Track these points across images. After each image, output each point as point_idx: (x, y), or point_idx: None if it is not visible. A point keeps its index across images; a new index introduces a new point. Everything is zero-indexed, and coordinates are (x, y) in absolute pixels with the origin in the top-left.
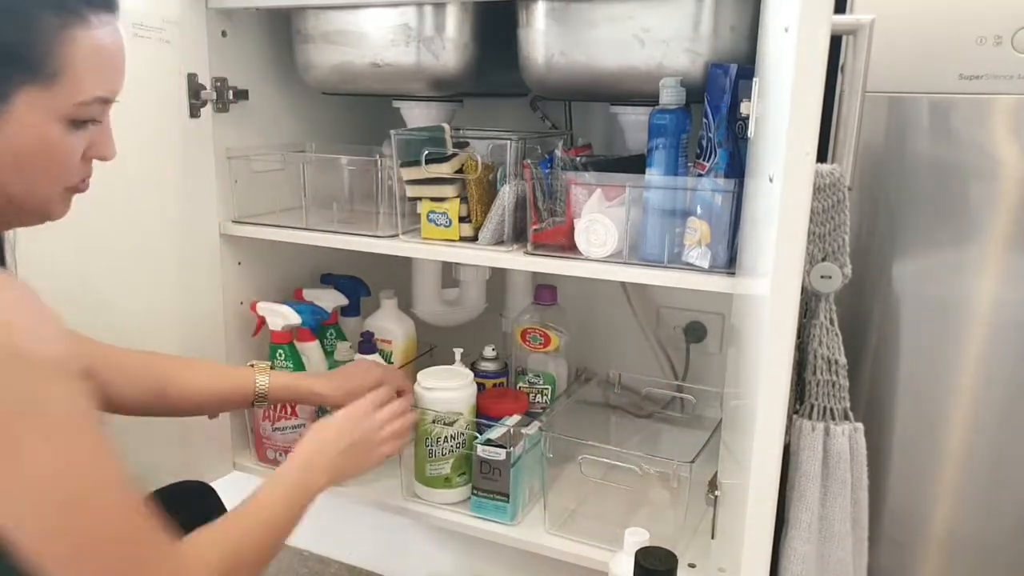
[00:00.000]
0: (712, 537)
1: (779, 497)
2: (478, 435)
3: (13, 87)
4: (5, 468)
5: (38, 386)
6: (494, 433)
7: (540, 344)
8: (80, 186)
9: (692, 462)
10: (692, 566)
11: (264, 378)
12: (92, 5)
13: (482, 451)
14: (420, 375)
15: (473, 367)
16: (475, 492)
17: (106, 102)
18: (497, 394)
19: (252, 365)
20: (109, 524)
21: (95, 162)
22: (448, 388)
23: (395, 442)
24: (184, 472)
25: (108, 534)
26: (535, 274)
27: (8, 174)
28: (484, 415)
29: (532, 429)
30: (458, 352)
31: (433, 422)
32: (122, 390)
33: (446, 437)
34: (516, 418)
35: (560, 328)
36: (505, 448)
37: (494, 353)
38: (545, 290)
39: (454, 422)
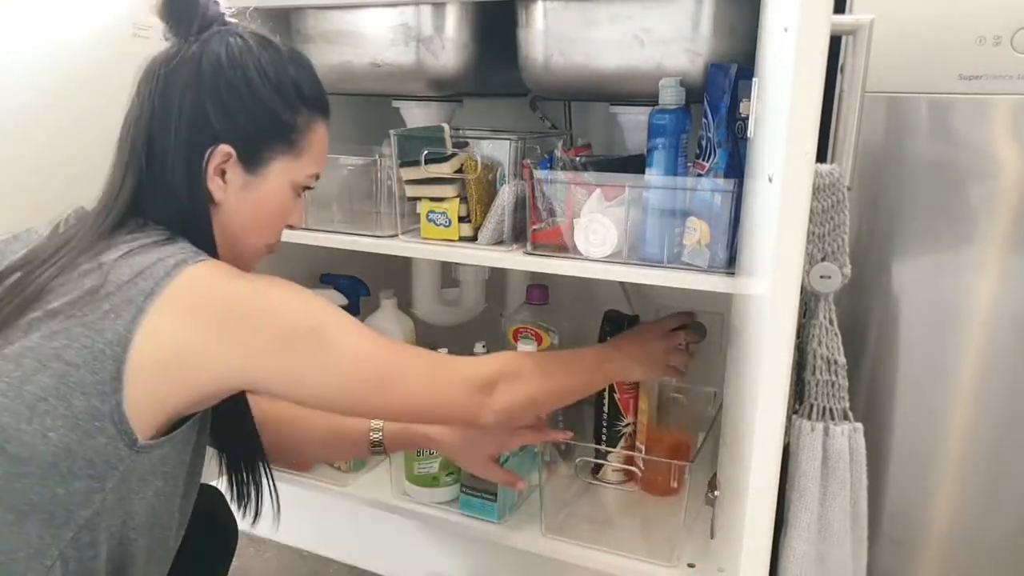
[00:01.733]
0: (712, 537)
1: (779, 497)
2: None
3: (276, 154)
4: (318, 361)
5: (296, 310)
6: None
7: (532, 343)
8: (272, 248)
9: (692, 462)
10: (692, 566)
11: (378, 423)
12: (326, 110)
13: None
14: None
15: None
16: (463, 490)
17: (317, 178)
18: None
19: None
20: (412, 361)
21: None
22: None
23: (680, 360)
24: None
25: (408, 369)
26: (534, 274)
27: (247, 223)
28: None
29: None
30: (443, 352)
31: None
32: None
33: None
34: None
35: (552, 327)
36: None
37: (484, 350)
38: (536, 290)
39: None
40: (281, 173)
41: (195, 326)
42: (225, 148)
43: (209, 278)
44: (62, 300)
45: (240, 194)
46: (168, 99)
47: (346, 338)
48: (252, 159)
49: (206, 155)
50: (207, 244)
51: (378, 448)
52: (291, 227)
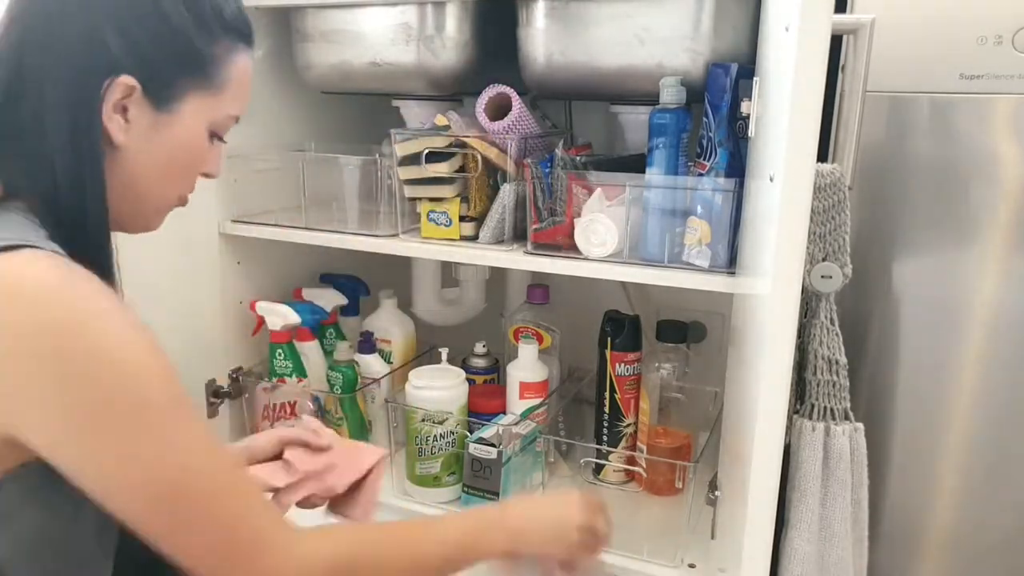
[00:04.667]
0: (712, 537)
1: (779, 497)
2: (468, 433)
3: (189, 89)
4: (113, 455)
5: (138, 372)
6: (486, 432)
7: (533, 343)
8: (184, 200)
9: (696, 462)
10: (692, 566)
11: None
12: (249, 39)
13: (474, 449)
14: (411, 374)
15: (464, 363)
16: (465, 490)
17: (236, 121)
18: (488, 391)
19: None
20: (218, 506)
21: None
22: (437, 387)
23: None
24: None
25: (218, 515)
26: (534, 273)
27: (154, 171)
28: (474, 412)
29: (525, 428)
30: (444, 351)
31: (423, 421)
32: None
33: (436, 436)
34: (509, 417)
35: (552, 327)
36: (496, 447)
37: (484, 349)
38: (537, 289)
39: (443, 421)
40: (197, 111)
41: None
42: (127, 80)
43: (21, 283)
44: None
45: (147, 135)
46: (50, 16)
47: (171, 431)
48: (161, 93)
49: (102, 88)
50: (96, 201)
51: None
52: (207, 175)
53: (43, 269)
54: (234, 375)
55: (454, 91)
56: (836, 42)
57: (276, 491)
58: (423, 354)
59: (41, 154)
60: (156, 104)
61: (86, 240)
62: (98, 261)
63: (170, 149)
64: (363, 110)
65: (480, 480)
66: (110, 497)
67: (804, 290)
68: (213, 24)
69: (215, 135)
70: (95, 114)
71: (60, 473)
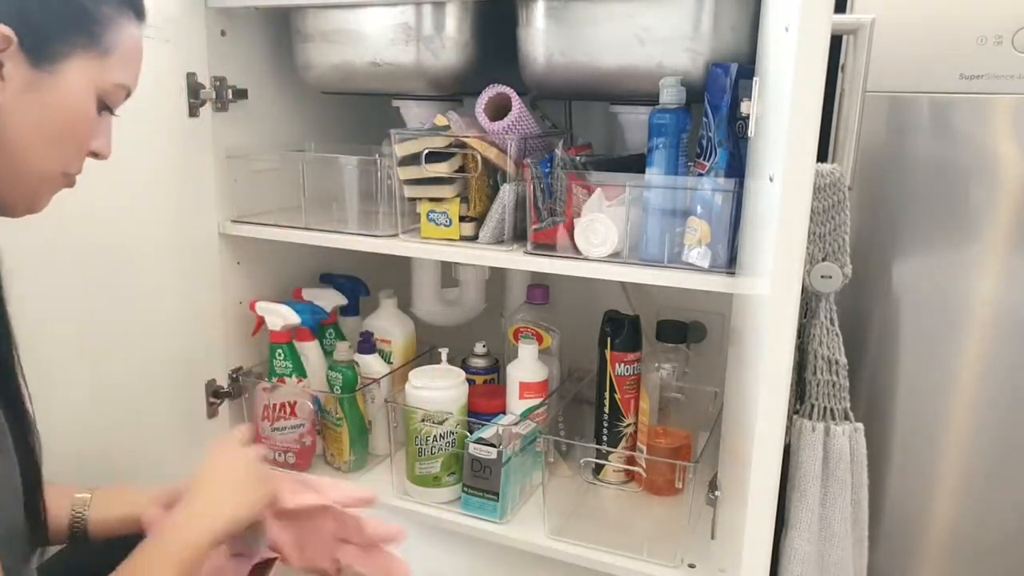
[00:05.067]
0: (712, 537)
1: (779, 497)
2: (469, 433)
3: (73, 50)
4: None
5: None
6: (486, 432)
7: (532, 343)
8: (71, 179)
9: (696, 462)
10: (692, 566)
11: (84, 494)
12: (138, 8)
13: (474, 449)
14: (411, 374)
15: (464, 364)
16: (465, 490)
17: (127, 94)
18: (488, 391)
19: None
20: None
21: (93, 163)
22: (437, 388)
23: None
24: (183, 473)
25: None
26: (534, 273)
27: (32, 136)
28: (474, 412)
29: (525, 429)
30: (444, 352)
31: (423, 421)
32: None
33: (435, 436)
34: (509, 417)
35: (552, 327)
36: (496, 447)
37: (484, 349)
38: (537, 289)
39: (443, 421)
40: (81, 73)
41: None
42: (2, 30)
43: None
44: None
45: (23, 95)
46: None
47: None
48: (41, 49)
49: None
50: None
51: (79, 527)
52: (95, 155)
53: None
54: (234, 375)
55: (454, 91)
56: (836, 42)
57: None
58: (423, 354)
59: None
60: (35, 60)
61: None
62: None
63: (51, 111)
64: (363, 110)
65: (480, 480)
66: None
67: (804, 290)
68: None
69: (103, 105)
70: None
71: None
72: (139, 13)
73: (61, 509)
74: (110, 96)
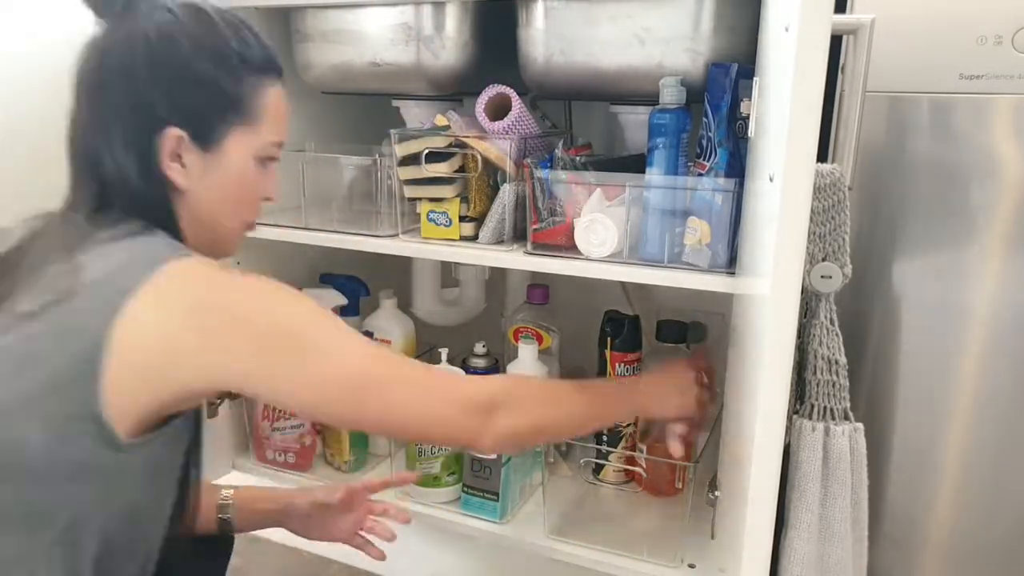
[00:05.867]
0: (712, 537)
1: (779, 497)
2: None
3: (230, 127)
4: (314, 362)
5: (295, 313)
6: None
7: (532, 343)
8: (252, 225)
9: (696, 462)
10: (692, 566)
11: (227, 493)
12: (275, 71)
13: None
14: None
15: (464, 364)
16: (465, 490)
17: (280, 146)
18: None
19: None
20: (410, 370)
21: None
22: None
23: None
24: None
25: (412, 378)
26: (534, 273)
27: (217, 203)
28: None
29: None
30: (444, 352)
31: None
32: None
33: None
34: None
35: (552, 327)
36: None
37: (484, 349)
38: (537, 289)
39: None
40: (240, 146)
41: (176, 326)
42: (174, 132)
43: (192, 276)
44: (36, 302)
45: (203, 176)
46: (103, 91)
47: (331, 343)
48: (206, 137)
49: (156, 142)
50: (174, 235)
51: (226, 518)
52: (268, 200)
53: (199, 264)
54: None
55: (454, 91)
56: (836, 42)
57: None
58: (423, 354)
59: (130, 196)
60: (204, 147)
61: None
62: None
63: (224, 182)
64: (363, 110)
65: (480, 480)
66: (303, 404)
67: (804, 290)
68: (239, 68)
69: (262, 161)
70: (154, 166)
71: (167, 449)
72: (277, 73)
73: (209, 502)
74: (266, 153)
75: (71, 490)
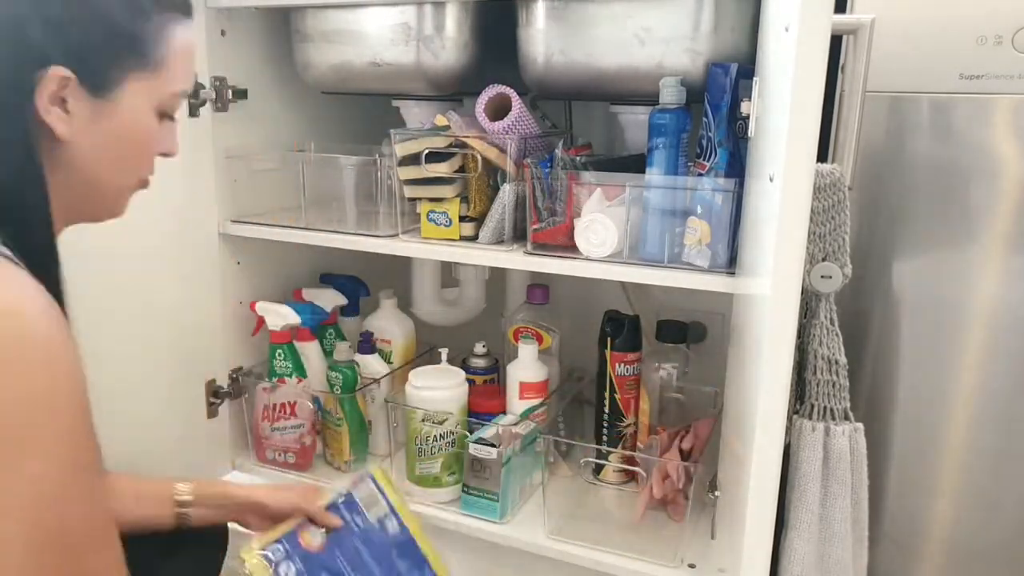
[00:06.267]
0: (712, 537)
1: (779, 497)
2: (469, 433)
3: (126, 72)
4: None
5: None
6: (486, 432)
7: (532, 343)
8: (145, 182)
9: (696, 462)
10: (692, 566)
11: (185, 485)
12: (185, 8)
13: (474, 449)
14: (411, 374)
15: (464, 364)
16: (465, 490)
17: (184, 96)
18: (488, 391)
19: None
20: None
21: None
22: (437, 388)
23: None
24: (183, 473)
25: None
26: (534, 273)
27: (105, 159)
28: (474, 412)
29: (525, 429)
30: (444, 352)
31: (423, 421)
32: None
33: (435, 436)
34: (509, 417)
35: (552, 327)
36: (496, 447)
37: (484, 349)
38: (537, 289)
39: (443, 421)
40: (138, 94)
41: None
42: (60, 71)
43: None
44: None
45: (90, 124)
46: None
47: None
48: (98, 80)
49: (33, 83)
50: (36, 202)
51: (184, 511)
52: (166, 155)
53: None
54: (234, 375)
55: (454, 91)
56: (836, 42)
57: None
58: (423, 354)
59: None
60: (94, 92)
61: (30, 239)
62: (42, 260)
63: (117, 136)
64: (363, 110)
65: (480, 480)
66: None
67: (804, 290)
68: (144, 1)
69: (164, 114)
70: (27, 110)
71: None
72: (186, 11)
73: (164, 499)
74: (168, 105)
75: None
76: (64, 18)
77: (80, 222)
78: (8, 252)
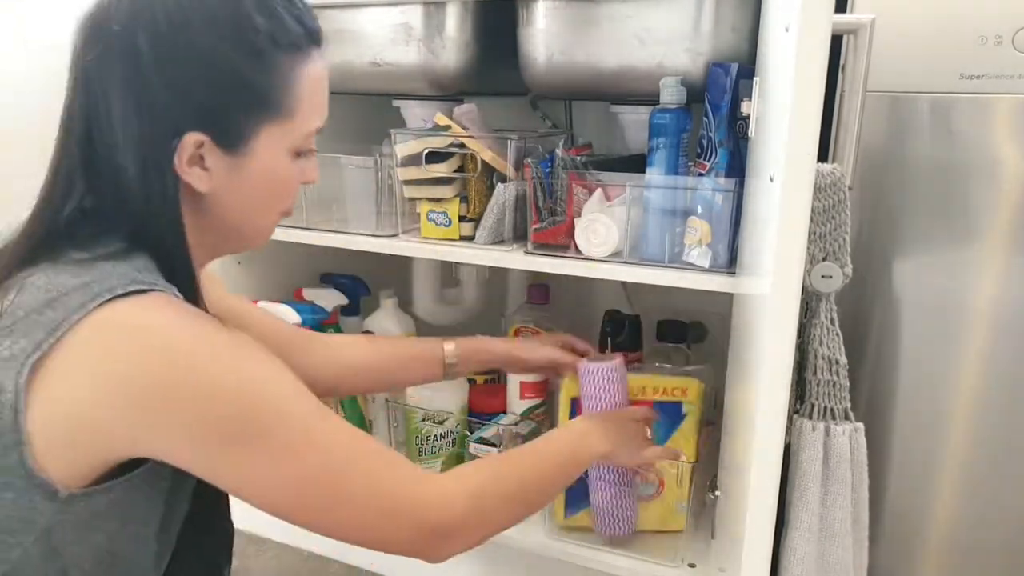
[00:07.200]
0: (712, 537)
1: (779, 497)
2: (469, 433)
3: (260, 125)
4: (258, 462)
5: (258, 393)
6: (487, 431)
7: None
8: (289, 211)
9: (696, 462)
10: (692, 566)
11: (451, 346)
12: (314, 42)
13: (474, 449)
14: None
15: None
16: None
17: (320, 130)
18: (488, 391)
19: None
20: (358, 484)
21: None
22: (437, 387)
23: (654, 453)
24: None
25: (360, 496)
26: (534, 273)
27: (247, 206)
28: (474, 411)
29: (525, 428)
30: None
31: (423, 420)
32: (308, 372)
33: (436, 436)
34: (509, 416)
35: (553, 327)
36: (496, 446)
37: None
38: (537, 289)
39: (444, 420)
40: (273, 142)
41: (94, 391)
42: (193, 137)
43: (125, 326)
44: None
45: (230, 176)
46: (103, 84)
47: (286, 436)
48: (232, 138)
49: (171, 151)
50: (178, 252)
51: (453, 368)
52: (307, 182)
53: (144, 307)
54: None
55: (455, 91)
56: (836, 42)
57: None
58: None
59: (125, 207)
60: (229, 149)
61: (180, 283)
62: (191, 299)
63: (256, 184)
64: (364, 110)
65: None
66: (261, 498)
67: (804, 290)
68: (267, 49)
69: (299, 153)
70: (168, 176)
71: (140, 492)
72: (315, 40)
73: (435, 361)
74: (304, 145)
75: (11, 541)
76: (191, 86)
77: (231, 253)
78: (174, 289)
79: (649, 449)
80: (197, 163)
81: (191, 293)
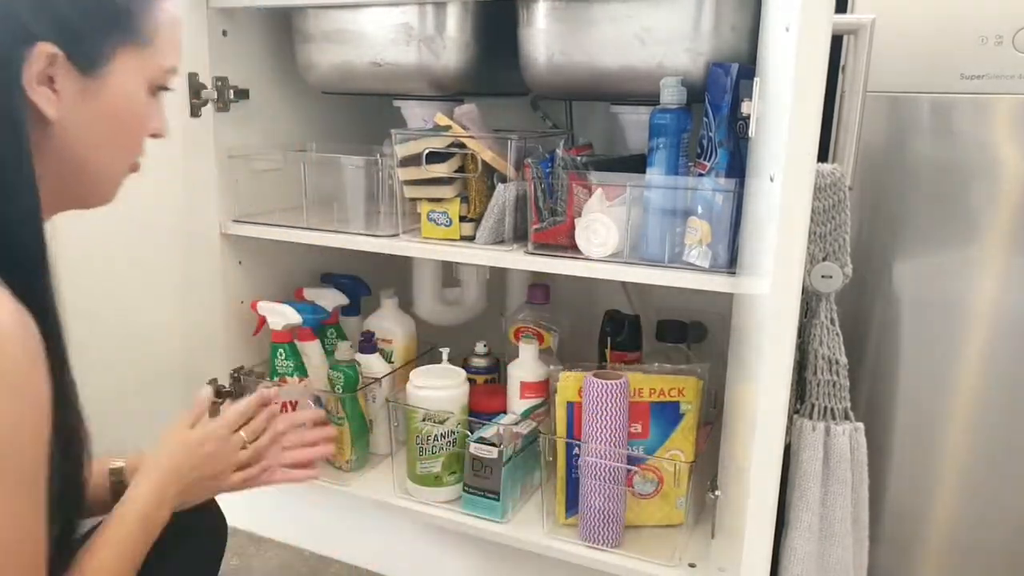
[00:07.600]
0: (712, 537)
1: (779, 497)
2: (470, 433)
3: (116, 47)
4: None
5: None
6: (487, 431)
7: (533, 343)
8: (136, 166)
9: (694, 462)
10: (692, 566)
11: (119, 461)
12: None
13: (475, 449)
14: (412, 374)
15: (465, 363)
16: (466, 489)
17: (175, 73)
18: (488, 390)
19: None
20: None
21: None
22: (438, 387)
23: (255, 471)
24: None
25: None
26: (534, 273)
27: (95, 140)
28: (475, 411)
29: (526, 428)
30: (445, 352)
31: (424, 420)
32: None
33: (437, 435)
34: (509, 416)
35: (553, 327)
36: (497, 446)
37: (485, 349)
38: (538, 289)
39: (444, 420)
40: (128, 70)
41: None
42: (47, 48)
43: None
44: None
45: (80, 104)
46: None
47: None
48: (87, 57)
49: (21, 61)
50: (23, 189)
51: (117, 480)
52: (156, 135)
53: None
54: (236, 375)
55: (455, 91)
56: (836, 42)
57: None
58: (424, 354)
59: None
60: (83, 69)
61: (17, 225)
62: (29, 248)
63: (107, 114)
64: (364, 110)
65: (481, 479)
66: None
67: (804, 290)
68: None
69: (154, 90)
70: (13, 89)
71: None
72: None
73: (99, 479)
74: (159, 81)
75: None
76: None
77: (70, 208)
78: None
79: (236, 475)
80: (46, 83)
81: (35, 241)
